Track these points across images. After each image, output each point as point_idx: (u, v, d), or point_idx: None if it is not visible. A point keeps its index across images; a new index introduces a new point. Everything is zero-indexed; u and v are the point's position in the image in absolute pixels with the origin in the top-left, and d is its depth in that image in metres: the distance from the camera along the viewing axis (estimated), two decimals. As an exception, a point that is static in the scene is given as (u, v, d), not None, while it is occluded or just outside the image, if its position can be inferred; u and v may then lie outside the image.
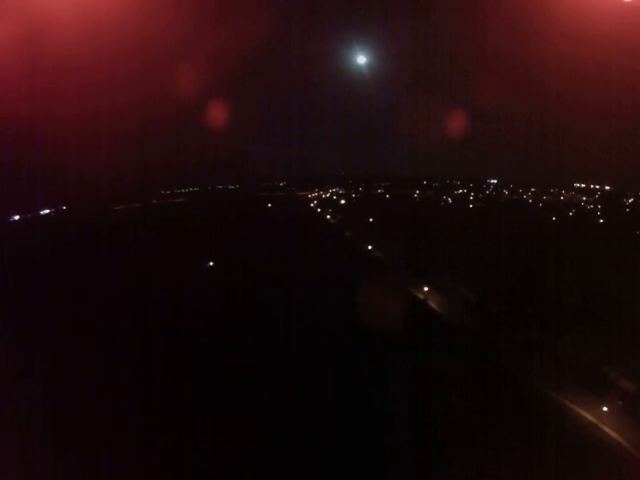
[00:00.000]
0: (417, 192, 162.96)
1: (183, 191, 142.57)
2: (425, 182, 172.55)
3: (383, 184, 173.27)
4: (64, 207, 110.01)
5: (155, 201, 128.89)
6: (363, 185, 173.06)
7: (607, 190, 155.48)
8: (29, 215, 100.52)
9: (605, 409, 37.19)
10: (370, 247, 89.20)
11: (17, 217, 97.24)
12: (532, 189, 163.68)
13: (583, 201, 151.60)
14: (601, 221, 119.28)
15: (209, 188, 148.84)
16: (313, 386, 40.48)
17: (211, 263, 77.63)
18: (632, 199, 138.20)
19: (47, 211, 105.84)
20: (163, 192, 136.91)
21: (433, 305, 61.00)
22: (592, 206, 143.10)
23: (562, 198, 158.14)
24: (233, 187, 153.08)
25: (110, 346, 45.61)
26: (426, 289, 63.61)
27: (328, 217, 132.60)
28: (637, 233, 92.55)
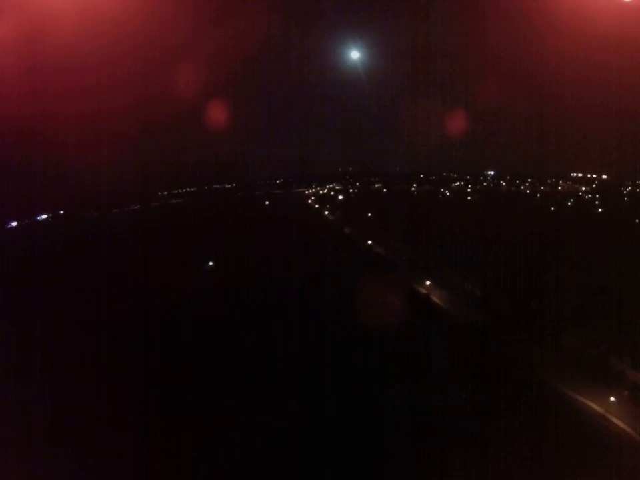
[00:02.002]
0: (415, 186, 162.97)
1: (180, 191, 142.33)
2: (422, 176, 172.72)
3: (380, 179, 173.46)
4: (61, 212, 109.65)
5: (152, 203, 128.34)
6: (360, 180, 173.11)
7: (605, 179, 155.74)
8: (27, 221, 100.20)
9: (612, 399, 37.15)
10: (370, 243, 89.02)
11: (14, 224, 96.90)
12: (529, 180, 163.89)
13: (581, 191, 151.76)
14: (600, 210, 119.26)
15: (206, 188, 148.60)
16: (314, 383, 40.18)
17: (211, 263, 77.39)
18: (630, 188, 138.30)
19: (44, 216, 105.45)
20: (160, 193, 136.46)
21: (436, 299, 60.79)
22: (590, 195, 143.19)
23: (559, 188, 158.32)
24: (230, 186, 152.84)
25: (110, 348, 45.27)
26: (428, 283, 63.40)
27: (326, 213, 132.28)
28: (637, 221, 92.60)
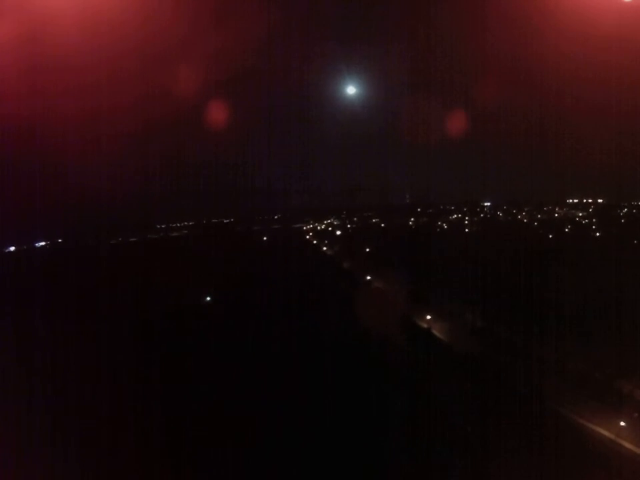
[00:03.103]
0: (412, 219, 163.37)
1: (179, 225, 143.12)
2: (419, 209, 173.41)
3: (377, 213, 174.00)
4: (59, 240, 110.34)
5: (151, 235, 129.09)
6: (357, 215, 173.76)
7: (600, 203, 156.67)
8: (25, 247, 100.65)
9: (622, 423, 36.11)
10: (369, 278, 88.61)
11: (12, 248, 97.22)
12: (525, 209, 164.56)
13: (578, 216, 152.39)
14: (598, 234, 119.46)
15: (205, 222, 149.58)
16: (316, 419, 39.36)
17: (208, 298, 76.99)
18: (625, 210, 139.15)
19: (42, 243, 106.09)
20: (159, 226, 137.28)
21: (437, 333, 59.94)
22: (587, 220, 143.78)
23: (556, 215, 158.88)
24: (228, 221, 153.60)
25: (110, 370, 45.29)
26: (429, 317, 62.60)
27: (324, 248, 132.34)
28: (635, 242, 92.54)
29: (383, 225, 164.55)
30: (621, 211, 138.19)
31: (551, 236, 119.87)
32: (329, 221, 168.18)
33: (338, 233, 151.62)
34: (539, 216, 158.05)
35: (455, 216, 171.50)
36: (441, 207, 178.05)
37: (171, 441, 34.88)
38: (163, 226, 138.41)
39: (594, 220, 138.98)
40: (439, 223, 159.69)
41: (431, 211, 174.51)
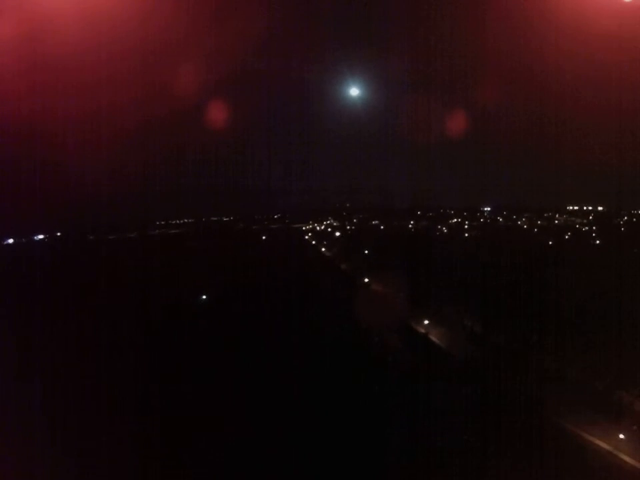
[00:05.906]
0: (412, 222, 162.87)
1: (178, 222, 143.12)
2: (419, 212, 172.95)
3: (377, 215, 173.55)
4: (58, 233, 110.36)
5: (150, 232, 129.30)
6: (357, 216, 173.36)
7: (601, 211, 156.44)
8: (24, 240, 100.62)
9: (621, 436, 35.67)
10: (367, 280, 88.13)
11: (10, 241, 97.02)
12: (525, 214, 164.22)
13: (578, 223, 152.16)
14: (598, 242, 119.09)
15: (204, 219, 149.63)
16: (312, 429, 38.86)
17: (204, 297, 76.75)
18: (626, 217, 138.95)
19: (41, 237, 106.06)
20: (158, 222, 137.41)
21: (434, 338, 59.47)
22: (587, 228, 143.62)
23: (556, 222, 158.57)
24: (227, 219, 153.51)
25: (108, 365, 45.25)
26: (426, 322, 62.11)
27: (323, 249, 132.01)
28: (635, 251, 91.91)
29: (382, 227, 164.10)
30: (621, 219, 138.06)
31: (550, 242, 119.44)
32: (328, 222, 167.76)
33: (337, 234, 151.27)
34: (539, 222, 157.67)
35: (455, 220, 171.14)
36: (441, 211, 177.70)
37: (172, 435, 35.07)
38: (162, 222, 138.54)
39: (594, 227, 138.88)
40: (439, 227, 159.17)
41: (431, 214, 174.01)
